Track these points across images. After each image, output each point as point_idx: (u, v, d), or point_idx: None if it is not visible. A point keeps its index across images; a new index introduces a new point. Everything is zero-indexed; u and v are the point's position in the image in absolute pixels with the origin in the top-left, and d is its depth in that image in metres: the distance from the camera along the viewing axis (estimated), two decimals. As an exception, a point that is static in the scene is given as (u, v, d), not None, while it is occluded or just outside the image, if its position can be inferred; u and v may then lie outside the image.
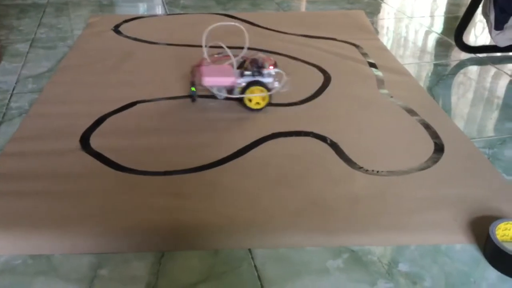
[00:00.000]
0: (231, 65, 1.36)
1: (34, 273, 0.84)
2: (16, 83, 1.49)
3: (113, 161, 1.12)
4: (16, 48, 1.74)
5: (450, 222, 0.95)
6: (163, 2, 2.28)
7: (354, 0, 2.36)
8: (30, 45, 1.77)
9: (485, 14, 1.61)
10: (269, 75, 1.33)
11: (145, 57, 1.66)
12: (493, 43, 1.67)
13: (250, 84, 1.31)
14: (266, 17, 2.08)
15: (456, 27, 1.71)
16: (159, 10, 2.19)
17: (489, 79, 1.57)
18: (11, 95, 1.42)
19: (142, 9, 2.22)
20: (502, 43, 1.62)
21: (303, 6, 2.30)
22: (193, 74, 1.40)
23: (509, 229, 0.90)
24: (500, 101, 1.43)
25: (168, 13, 2.14)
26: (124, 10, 2.18)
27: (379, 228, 0.94)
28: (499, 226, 0.88)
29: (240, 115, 1.31)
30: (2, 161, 1.12)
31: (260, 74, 1.32)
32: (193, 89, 1.36)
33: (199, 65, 1.37)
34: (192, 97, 1.38)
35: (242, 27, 1.41)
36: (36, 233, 0.91)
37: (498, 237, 0.87)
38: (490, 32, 1.62)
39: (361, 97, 1.42)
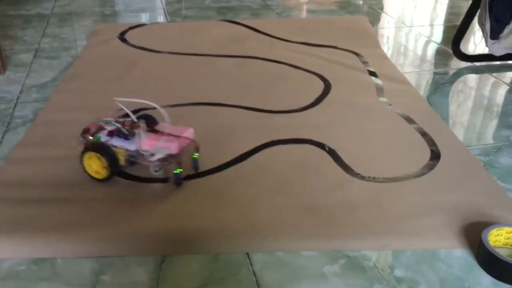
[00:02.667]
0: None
1: (38, 278, 0.86)
2: (20, 93, 1.52)
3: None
4: (20, 58, 1.77)
5: (444, 228, 0.96)
6: (165, 12, 2.31)
7: (354, 10, 2.39)
8: (34, 55, 1.80)
9: (481, 24, 1.63)
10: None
11: (149, 66, 1.69)
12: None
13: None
14: (269, 23, 2.11)
15: (454, 36, 1.73)
16: (161, 20, 2.22)
17: (486, 88, 1.59)
18: (15, 105, 1.44)
19: (144, 19, 2.25)
20: (498, 52, 1.64)
21: (303, 16, 2.33)
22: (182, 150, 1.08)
23: (501, 235, 0.91)
24: (497, 109, 1.45)
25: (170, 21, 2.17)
26: (127, 20, 2.21)
27: (375, 234, 0.95)
28: (491, 232, 0.90)
29: (240, 122, 1.33)
30: (8, 168, 1.14)
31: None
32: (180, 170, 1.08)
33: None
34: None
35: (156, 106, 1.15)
36: (39, 238, 0.93)
37: (491, 242, 0.88)
38: (486, 41, 1.64)
39: (360, 105, 1.44)
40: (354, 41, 1.92)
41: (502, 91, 1.57)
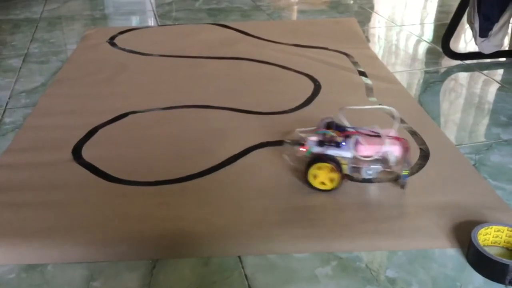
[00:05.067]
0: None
1: (28, 286, 0.85)
2: (9, 99, 1.51)
3: (104, 172, 1.14)
4: (9, 64, 1.76)
5: (434, 228, 0.96)
6: (155, 15, 2.31)
7: (344, 10, 2.39)
8: (23, 60, 1.79)
9: (470, 22, 1.64)
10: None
11: (139, 69, 1.69)
12: (480, 50, 1.70)
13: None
14: (259, 26, 2.11)
15: (443, 34, 1.74)
16: (151, 23, 2.21)
17: (476, 86, 1.59)
18: (4, 111, 1.44)
19: (134, 22, 2.25)
20: (487, 50, 1.64)
21: (293, 17, 2.33)
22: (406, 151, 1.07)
23: (489, 234, 0.91)
24: (487, 107, 1.45)
25: (160, 25, 2.16)
26: (117, 23, 2.20)
27: (364, 234, 0.95)
28: (480, 231, 0.90)
29: (230, 124, 1.33)
30: (-4, 174, 1.13)
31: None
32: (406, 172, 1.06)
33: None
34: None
35: (392, 109, 1.17)
36: (27, 243, 0.93)
37: (480, 241, 0.88)
38: (475, 39, 1.64)
39: (350, 105, 1.43)
40: (344, 42, 1.92)
41: (493, 89, 1.58)
